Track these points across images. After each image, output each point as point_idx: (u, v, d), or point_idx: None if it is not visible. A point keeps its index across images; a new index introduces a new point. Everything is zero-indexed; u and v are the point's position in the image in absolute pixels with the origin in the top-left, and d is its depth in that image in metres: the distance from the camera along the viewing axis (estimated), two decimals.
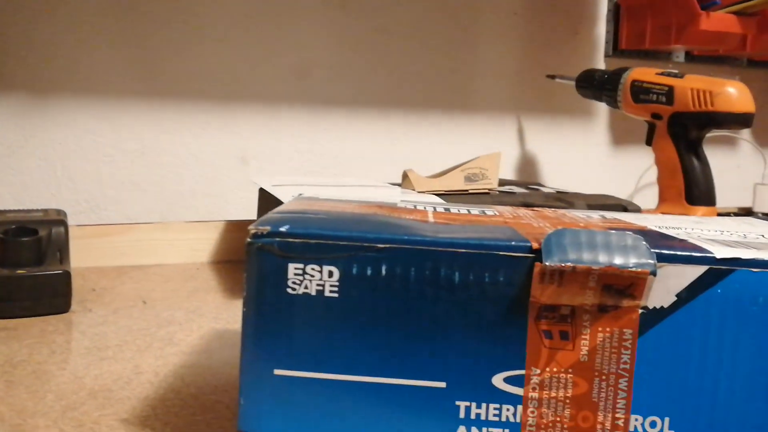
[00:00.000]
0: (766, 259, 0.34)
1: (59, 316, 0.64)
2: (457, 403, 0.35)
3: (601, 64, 1.16)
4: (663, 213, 0.86)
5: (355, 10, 0.98)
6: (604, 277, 0.33)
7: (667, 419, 0.34)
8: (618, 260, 0.33)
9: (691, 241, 0.37)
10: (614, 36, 1.15)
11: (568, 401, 0.34)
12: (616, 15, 1.14)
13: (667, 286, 0.34)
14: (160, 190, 0.90)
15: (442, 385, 0.35)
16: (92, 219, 0.87)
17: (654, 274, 0.33)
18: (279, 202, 0.66)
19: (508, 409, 0.35)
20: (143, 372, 0.51)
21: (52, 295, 0.64)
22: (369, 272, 0.34)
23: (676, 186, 0.85)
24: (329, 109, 0.98)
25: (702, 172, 0.84)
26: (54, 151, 0.85)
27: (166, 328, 0.61)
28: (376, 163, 1.02)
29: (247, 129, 0.94)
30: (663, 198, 0.87)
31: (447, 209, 0.46)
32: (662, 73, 0.86)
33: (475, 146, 1.08)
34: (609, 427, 0.34)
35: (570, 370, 0.34)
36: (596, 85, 0.93)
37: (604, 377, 0.34)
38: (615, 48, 1.15)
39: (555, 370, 0.34)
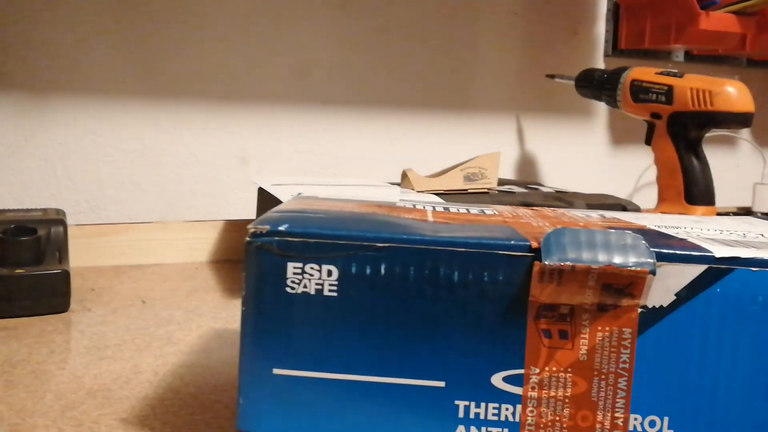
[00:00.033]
0: (765, 258, 0.34)
1: (58, 315, 0.64)
2: (456, 402, 0.35)
3: (600, 63, 1.16)
4: (662, 212, 0.86)
5: (354, 9, 0.98)
6: (604, 276, 0.33)
7: (666, 419, 0.34)
8: (617, 259, 0.33)
9: (690, 240, 0.37)
10: (614, 35, 1.15)
11: (567, 400, 0.34)
12: (615, 14, 1.14)
13: (666, 285, 0.34)
14: (160, 190, 0.90)
15: (441, 384, 0.35)
16: (92, 219, 0.87)
17: (653, 273, 0.33)
18: (278, 202, 0.66)
19: (507, 409, 0.35)
20: (142, 371, 0.51)
21: (51, 295, 0.64)
22: (368, 271, 0.34)
23: (675, 185, 0.85)
24: (329, 109, 0.98)
25: (701, 171, 0.84)
26: (54, 151, 0.85)
27: (165, 327, 0.61)
28: (376, 162, 1.02)
29: (247, 129, 0.94)
30: (662, 197, 0.87)
31: (446, 208, 0.45)
32: (662, 73, 0.86)
33: (475, 146, 1.08)
34: (608, 427, 0.34)
35: (569, 370, 0.34)
36: (596, 85, 0.93)
37: (603, 376, 0.34)
38: (614, 47, 1.15)
39: (554, 369, 0.34)
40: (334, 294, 0.35)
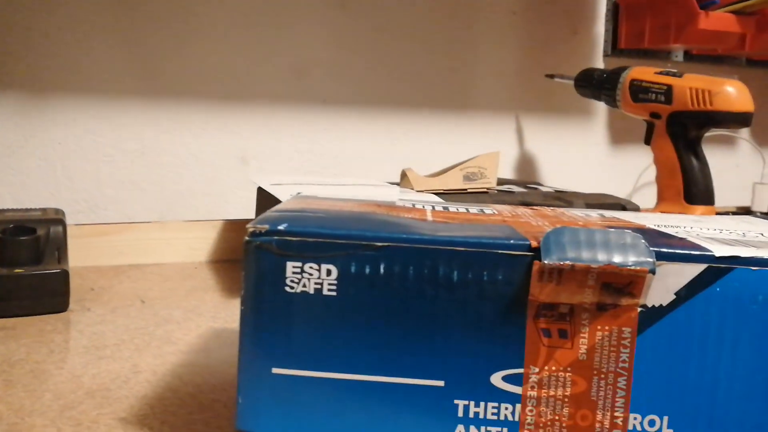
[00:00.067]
0: (765, 257, 0.34)
1: (57, 315, 0.64)
2: (456, 401, 0.35)
3: (600, 63, 1.16)
4: (662, 212, 0.86)
5: (354, 9, 0.98)
6: (603, 275, 0.33)
7: (665, 418, 0.34)
8: (617, 258, 0.33)
9: (690, 239, 0.37)
10: (613, 35, 1.15)
11: (566, 400, 0.34)
12: (615, 14, 1.14)
13: (666, 284, 0.34)
14: (160, 189, 0.90)
15: (441, 383, 0.35)
16: (91, 218, 0.87)
17: (653, 272, 0.33)
18: (277, 201, 0.66)
19: (506, 408, 0.35)
20: (141, 371, 0.51)
21: (50, 294, 0.64)
22: (367, 271, 0.34)
23: (674, 185, 0.85)
24: (329, 109, 0.98)
25: (701, 171, 0.84)
26: (53, 151, 0.85)
27: (164, 327, 0.61)
28: (376, 162, 1.02)
29: (246, 128, 0.94)
30: (662, 197, 0.87)
31: (446, 208, 0.45)
32: (661, 73, 0.86)
33: (475, 145, 1.08)
34: (608, 426, 0.34)
35: (569, 369, 0.34)
36: (595, 85, 0.93)
37: (602, 376, 0.34)
38: (614, 47, 1.15)
39: (554, 368, 0.34)
40: (334, 293, 0.34)
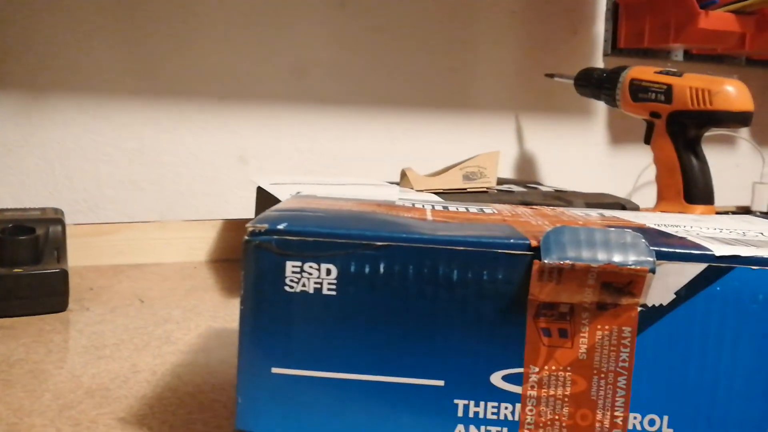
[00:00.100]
0: (765, 256, 0.34)
1: (56, 314, 0.64)
2: (456, 401, 0.35)
3: (599, 62, 1.16)
4: (662, 211, 0.86)
5: (354, 9, 0.98)
6: (603, 274, 0.33)
7: (665, 417, 0.34)
8: (617, 258, 0.33)
9: (690, 238, 0.37)
10: (613, 35, 1.15)
11: (566, 399, 0.34)
12: (614, 14, 1.14)
13: (666, 283, 0.34)
14: (160, 189, 0.90)
15: (441, 383, 0.35)
16: (90, 218, 0.87)
17: (653, 271, 0.33)
18: (277, 201, 0.66)
19: (506, 408, 0.35)
20: (140, 371, 0.51)
21: (49, 294, 0.64)
22: (367, 270, 0.34)
23: (674, 185, 0.85)
24: (329, 108, 0.98)
25: (700, 170, 0.84)
26: (53, 151, 0.85)
27: (164, 326, 0.61)
28: (376, 162, 1.02)
29: (246, 128, 0.94)
30: (661, 197, 0.87)
31: (445, 207, 0.45)
32: (661, 72, 0.86)
33: (474, 145, 1.08)
34: (608, 426, 0.34)
35: (569, 368, 0.34)
36: (595, 84, 0.93)
37: (602, 375, 0.34)
38: (614, 47, 1.15)
39: (554, 368, 0.34)
40: (333, 293, 0.34)
